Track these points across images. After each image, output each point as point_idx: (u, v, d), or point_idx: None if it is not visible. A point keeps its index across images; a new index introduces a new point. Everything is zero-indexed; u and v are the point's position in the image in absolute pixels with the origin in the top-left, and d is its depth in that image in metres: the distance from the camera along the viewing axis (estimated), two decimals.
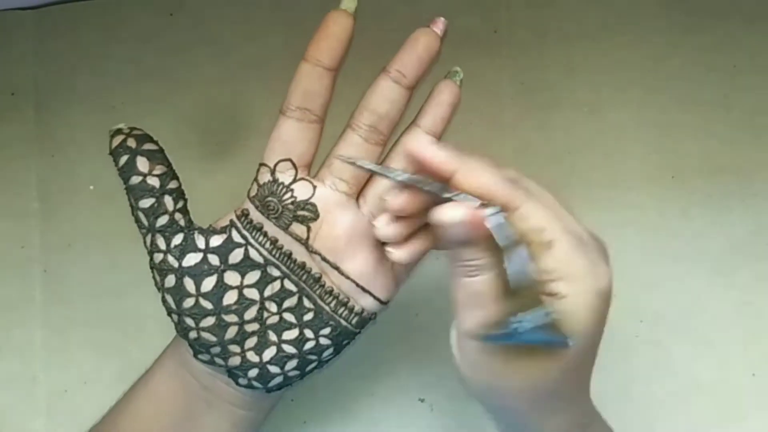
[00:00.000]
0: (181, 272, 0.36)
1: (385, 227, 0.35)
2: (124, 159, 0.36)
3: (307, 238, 0.37)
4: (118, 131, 0.37)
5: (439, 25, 0.37)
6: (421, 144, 0.32)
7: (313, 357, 0.38)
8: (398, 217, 0.34)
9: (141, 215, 0.37)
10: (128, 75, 0.51)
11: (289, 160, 0.37)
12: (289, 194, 0.37)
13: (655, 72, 0.49)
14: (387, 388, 0.49)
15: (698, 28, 0.49)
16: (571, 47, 0.50)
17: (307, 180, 0.37)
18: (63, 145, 0.51)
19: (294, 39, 0.51)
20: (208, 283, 0.36)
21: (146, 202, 0.36)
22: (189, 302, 0.37)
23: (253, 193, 0.37)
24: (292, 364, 0.38)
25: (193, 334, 0.37)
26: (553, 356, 0.32)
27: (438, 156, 0.32)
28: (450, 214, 0.31)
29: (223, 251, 0.37)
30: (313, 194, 0.37)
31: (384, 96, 0.36)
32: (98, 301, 0.50)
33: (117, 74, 0.51)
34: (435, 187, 0.32)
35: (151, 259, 0.37)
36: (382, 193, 0.37)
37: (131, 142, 0.37)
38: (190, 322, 0.37)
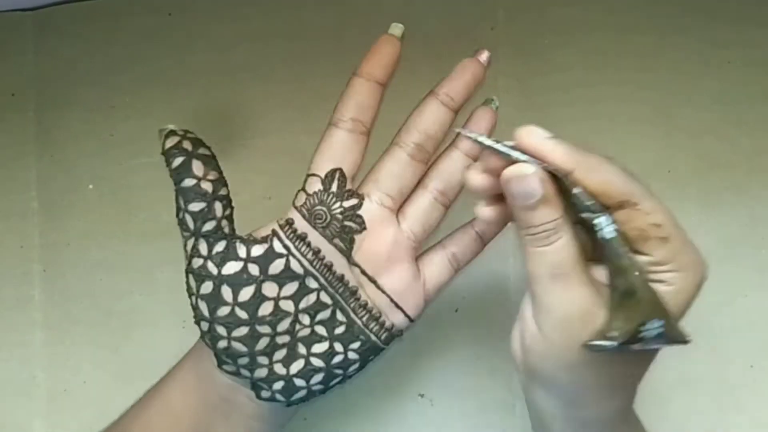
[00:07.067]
0: (219, 280, 0.36)
1: (477, 175, 0.34)
2: (179, 160, 0.37)
3: (350, 249, 0.38)
4: (172, 132, 0.37)
5: (483, 56, 0.39)
6: (538, 139, 0.33)
7: (339, 371, 0.38)
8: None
9: (188, 218, 0.37)
10: (128, 75, 0.51)
11: (340, 169, 0.38)
12: (338, 203, 0.37)
13: (650, 68, 0.50)
14: (387, 383, 0.49)
15: (692, 25, 0.50)
16: (566, 45, 0.50)
17: (355, 192, 0.38)
18: (63, 145, 0.51)
19: (294, 39, 0.51)
20: (246, 293, 0.36)
21: (197, 206, 0.36)
22: (224, 311, 0.36)
23: (300, 203, 0.38)
24: (318, 377, 0.38)
25: (222, 343, 0.37)
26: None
27: (556, 152, 0.32)
28: (519, 168, 0.32)
29: (264, 261, 0.37)
30: (360, 207, 0.38)
31: (433, 117, 0.39)
32: (98, 300, 0.50)
33: (117, 74, 0.51)
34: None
35: (189, 263, 0.37)
36: (424, 210, 0.39)
37: (187, 145, 0.37)
38: (221, 330, 0.37)
